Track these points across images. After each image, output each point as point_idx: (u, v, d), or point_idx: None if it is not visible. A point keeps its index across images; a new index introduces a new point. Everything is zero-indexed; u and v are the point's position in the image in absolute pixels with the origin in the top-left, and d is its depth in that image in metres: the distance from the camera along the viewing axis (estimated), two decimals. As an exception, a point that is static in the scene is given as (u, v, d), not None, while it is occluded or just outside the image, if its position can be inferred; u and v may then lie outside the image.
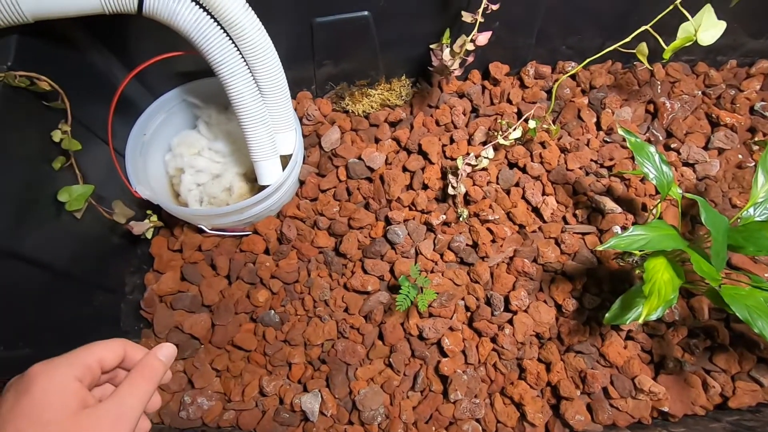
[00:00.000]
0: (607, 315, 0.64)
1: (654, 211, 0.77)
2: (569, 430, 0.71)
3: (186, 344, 0.75)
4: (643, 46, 0.70)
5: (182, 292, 0.79)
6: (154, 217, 0.80)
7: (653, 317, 0.61)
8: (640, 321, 0.55)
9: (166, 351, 0.41)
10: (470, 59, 0.76)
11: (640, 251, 0.73)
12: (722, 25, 0.67)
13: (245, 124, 0.74)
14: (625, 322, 0.61)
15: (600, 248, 0.58)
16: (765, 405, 0.72)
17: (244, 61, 0.71)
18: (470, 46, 0.73)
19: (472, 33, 0.72)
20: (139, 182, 0.78)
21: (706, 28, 0.67)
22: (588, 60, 0.76)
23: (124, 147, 0.79)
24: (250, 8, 0.67)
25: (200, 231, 0.84)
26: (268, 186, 0.77)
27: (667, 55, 0.68)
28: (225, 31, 0.68)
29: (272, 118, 0.77)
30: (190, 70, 0.85)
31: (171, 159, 0.88)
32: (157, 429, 0.70)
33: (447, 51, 0.76)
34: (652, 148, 0.66)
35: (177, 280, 0.80)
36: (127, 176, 0.77)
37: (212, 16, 0.66)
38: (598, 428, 0.71)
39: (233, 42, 0.69)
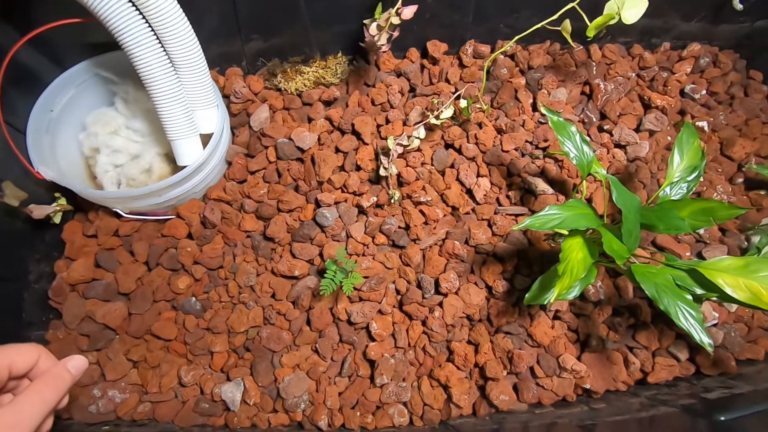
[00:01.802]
0: (527, 295, 0.63)
1: (581, 191, 0.77)
2: (495, 410, 0.71)
3: (99, 335, 0.71)
4: (567, 24, 0.69)
5: (96, 280, 0.74)
6: (63, 201, 0.75)
7: (570, 296, 0.61)
8: (552, 301, 0.55)
9: (77, 362, 0.41)
10: (396, 34, 0.73)
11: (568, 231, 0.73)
12: (644, 4, 0.66)
13: (157, 100, 0.69)
14: (544, 302, 0.61)
15: (516, 228, 0.57)
16: (681, 379, 0.75)
17: (153, 31, 0.66)
18: (396, 20, 0.70)
19: (397, 5, 0.69)
20: (43, 162, 0.72)
21: (630, 6, 0.66)
22: (517, 37, 0.75)
23: (26, 124, 0.72)
24: (154, -28, 0.61)
25: (118, 215, 0.78)
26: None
27: (590, 33, 0.67)
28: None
29: (189, 94, 0.73)
30: (104, 41, 0.79)
31: (85, 138, 0.82)
32: (64, 425, 0.66)
33: (374, 25, 0.73)
34: (573, 128, 0.65)
35: (90, 267, 0.75)
36: (28, 156, 0.71)
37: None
38: (522, 407, 0.72)
39: (139, 11, 0.64)
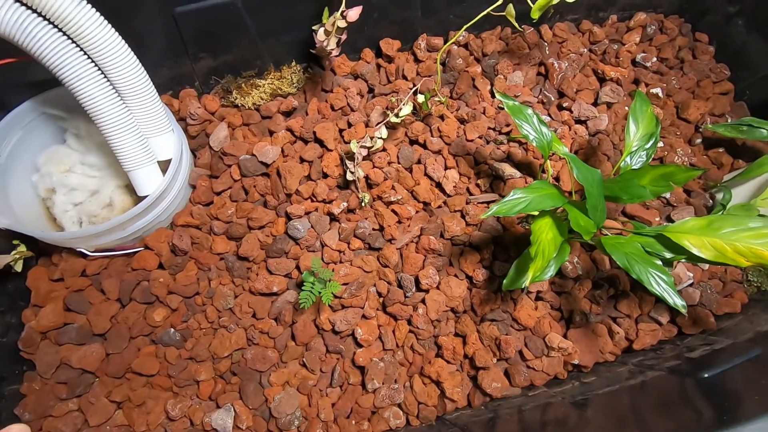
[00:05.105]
0: (504, 281, 0.64)
1: (546, 172, 0.78)
2: (489, 399, 0.71)
3: (77, 380, 0.69)
4: (510, 8, 0.69)
5: (68, 324, 0.72)
6: (22, 248, 0.72)
7: (546, 277, 0.61)
8: (527, 284, 0.55)
9: None
10: (344, 37, 0.73)
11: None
12: (583, -20, 0.67)
13: (107, 132, 0.67)
14: (521, 286, 0.62)
15: (484, 216, 0.57)
16: (665, 341, 0.76)
17: (93, 62, 0.64)
18: (342, 23, 0.70)
19: (341, 8, 0.69)
20: (-5, 211, 0.69)
21: (569, -17, 0.67)
22: (465, 27, 0.75)
23: (-28, 173, 0.70)
24: (85, 2, 0.59)
25: (84, 255, 0.76)
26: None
27: (534, 15, 0.68)
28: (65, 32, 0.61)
29: (141, 122, 0.71)
30: (46, 78, 0.76)
31: (39, 179, 0.79)
32: (51, 479, 0.63)
33: (321, 30, 0.72)
34: (530, 110, 0.66)
35: (60, 311, 0.72)
36: (-22, 206, 0.68)
37: (43, 16, 0.59)
38: (516, 391, 0.72)
39: (76, 43, 0.62)
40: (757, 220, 0.52)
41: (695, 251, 0.55)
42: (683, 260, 0.57)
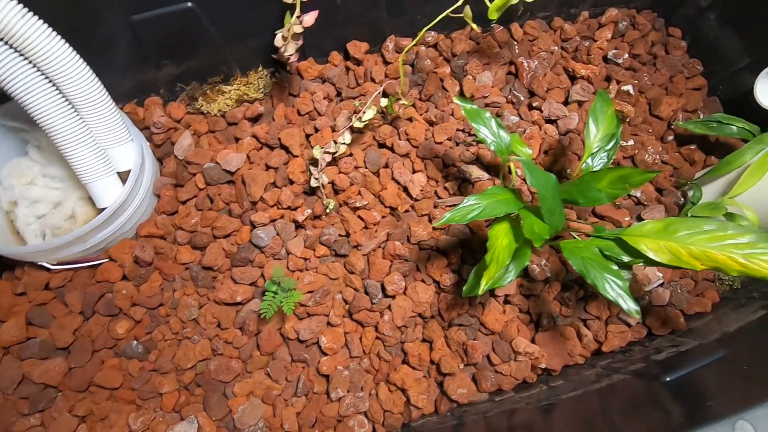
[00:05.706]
0: (464, 288, 0.63)
1: (514, 175, 0.77)
2: (455, 405, 0.71)
3: (39, 395, 0.68)
4: (468, 10, 0.68)
5: (31, 339, 0.71)
6: (-18, 262, 0.71)
7: (505, 283, 0.61)
8: (480, 292, 0.54)
9: None
10: (300, 42, 0.72)
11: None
12: (540, -21, 0.66)
13: (61, 145, 0.66)
14: (478, 293, 0.61)
15: (437, 224, 0.56)
16: (635, 343, 0.76)
17: (45, 75, 0.63)
18: (298, 29, 0.69)
19: (296, 13, 0.68)
20: (-48, 226, 0.68)
21: (527, -17, 0.66)
22: (426, 28, 0.73)
23: (-71, 189, 0.69)
24: (29, 12, 0.58)
25: (48, 269, 0.75)
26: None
27: (492, 16, 0.67)
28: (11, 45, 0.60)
29: (98, 134, 0.70)
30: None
31: (2, 192, 0.78)
32: (12, 495, 0.63)
33: (279, 36, 0.71)
34: (488, 114, 0.65)
35: (22, 326, 0.71)
36: (-65, 222, 0.67)
37: (-14, 28, 0.58)
38: (483, 397, 0.71)
39: (24, 56, 0.61)
40: (712, 222, 0.52)
41: (651, 255, 0.54)
42: (640, 263, 0.56)
